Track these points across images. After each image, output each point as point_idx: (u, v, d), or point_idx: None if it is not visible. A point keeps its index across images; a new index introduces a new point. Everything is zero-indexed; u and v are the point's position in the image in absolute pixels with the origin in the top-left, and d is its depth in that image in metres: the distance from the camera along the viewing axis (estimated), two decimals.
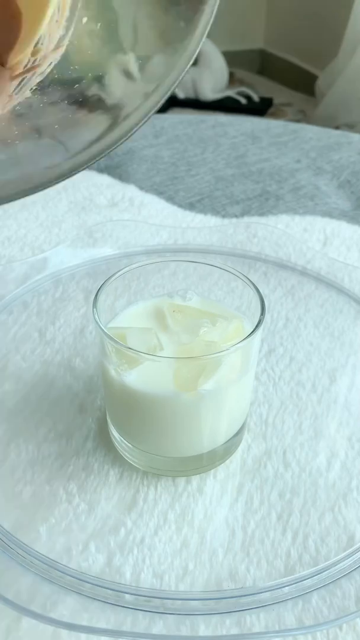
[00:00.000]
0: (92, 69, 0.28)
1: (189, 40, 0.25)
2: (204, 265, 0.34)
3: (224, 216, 0.65)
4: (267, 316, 0.48)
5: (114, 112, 0.29)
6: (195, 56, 0.26)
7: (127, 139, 0.28)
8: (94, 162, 0.29)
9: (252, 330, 0.29)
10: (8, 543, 0.30)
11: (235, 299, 0.34)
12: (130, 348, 0.28)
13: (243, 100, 2.35)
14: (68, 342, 0.44)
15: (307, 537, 0.31)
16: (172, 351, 0.30)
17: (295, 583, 0.28)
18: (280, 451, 0.36)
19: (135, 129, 0.28)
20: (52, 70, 0.26)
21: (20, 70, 0.24)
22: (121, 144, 0.28)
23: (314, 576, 0.29)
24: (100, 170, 0.75)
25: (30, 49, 0.23)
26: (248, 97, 2.37)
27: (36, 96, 0.26)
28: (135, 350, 0.28)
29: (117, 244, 0.55)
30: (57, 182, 0.30)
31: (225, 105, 2.32)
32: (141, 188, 0.69)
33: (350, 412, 0.39)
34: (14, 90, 0.25)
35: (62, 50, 0.26)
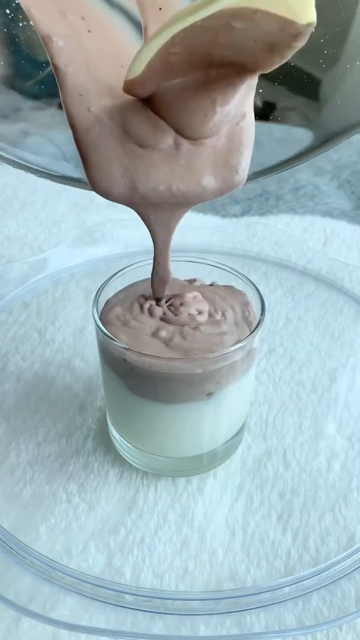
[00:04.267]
0: None
1: None
2: (204, 265, 0.34)
3: (224, 216, 0.65)
4: (267, 316, 0.48)
5: None
6: None
7: None
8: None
9: (252, 330, 0.29)
10: (8, 543, 0.30)
11: None
12: (129, 348, 0.28)
13: None
14: (68, 342, 0.44)
15: (307, 537, 0.31)
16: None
17: (295, 583, 0.28)
18: (281, 451, 0.36)
19: None
20: None
21: None
22: None
23: (314, 576, 0.29)
24: None
25: None
26: None
27: None
28: (135, 350, 0.28)
29: (117, 244, 0.55)
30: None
31: None
32: None
33: (350, 412, 0.39)
34: None
35: None
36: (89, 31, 0.23)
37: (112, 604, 0.27)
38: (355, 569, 0.29)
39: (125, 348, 0.28)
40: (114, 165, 0.24)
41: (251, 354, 0.30)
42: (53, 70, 0.23)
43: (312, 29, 0.22)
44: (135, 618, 0.26)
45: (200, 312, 0.30)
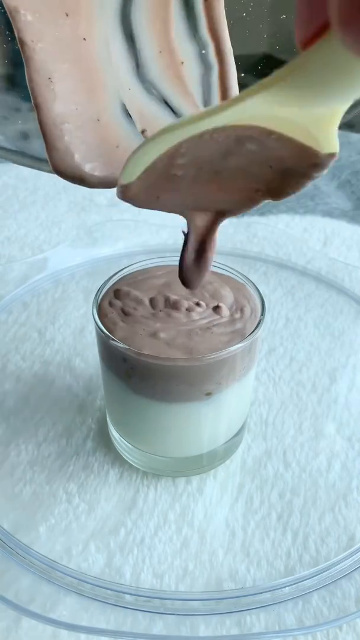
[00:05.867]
0: None
1: None
2: None
3: None
4: (267, 316, 0.48)
5: None
6: None
7: None
8: None
9: (252, 330, 0.29)
10: (8, 543, 0.30)
11: None
12: (130, 347, 0.28)
13: None
14: (68, 342, 0.44)
15: (307, 537, 0.31)
16: None
17: (296, 583, 0.28)
18: (280, 451, 0.36)
19: None
20: None
21: None
22: None
23: (314, 576, 0.29)
24: None
25: None
26: None
27: None
28: (137, 350, 0.28)
29: (117, 244, 0.55)
30: None
31: None
32: None
33: (350, 412, 0.39)
34: None
35: None
36: (67, 15, 0.22)
37: (112, 604, 0.27)
38: (355, 569, 0.29)
39: (125, 348, 0.28)
40: (79, 151, 0.23)
41: (251, 354, 0.30)
42: (19, 46, 0.22)
43: (334, 161, 0.20)
44: (135, 618, 0.26)
45: (217, 308, 0.30)
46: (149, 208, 0.24)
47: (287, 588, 0.28)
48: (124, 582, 0.28)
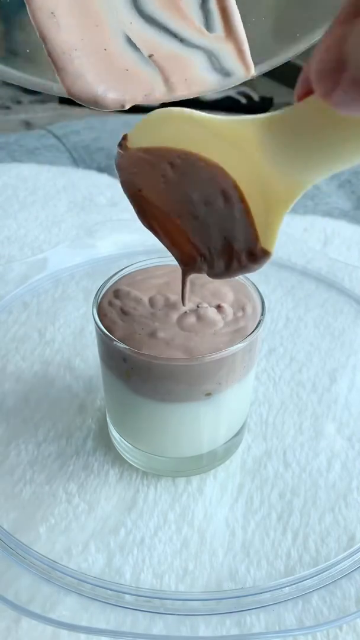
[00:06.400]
0: None
1: None
2: None
3: None
4: (267, 316, 0.48)
5: None
6: None
7: None
8: None
9: (252, 330, 0.29)
10: (8, 543, 0.30)
11: None
12: (129, 347, 0.28)
13: (243, 100, 2.34)
14: (68, 342, 0.44)
15: (307, 537, 0.31)
16: None
17: (296, 583, 0.28)
18: (281, 451, 0.36)
19: None
20: None
21: None
22: None
23: (314, 576, 0.29)
24: (100, 169, 0.75)
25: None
26: (248, 97, 2.37)
27: None
28: (136, 350, 0.28)
29: (117, 244, 0.55)
30: None
31: (225, 105, 2.33)
32: None
33: (350, 412, 0.39)
34: None
35: None
36: None
37: (112, 604, 0.27)
38: (355, 569, 0.29)
39: (124, 347, 0.28)
40: (90, 73, 0.24)
41: (251, 354, 0.30)
42: None
43: (266, 261, 0.22)
44: (135, 618, 0.26)
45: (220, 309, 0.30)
46: (127, 189, 0.25)
47: (287, 588, 0.28)
48: (124, 582, 0.28)
